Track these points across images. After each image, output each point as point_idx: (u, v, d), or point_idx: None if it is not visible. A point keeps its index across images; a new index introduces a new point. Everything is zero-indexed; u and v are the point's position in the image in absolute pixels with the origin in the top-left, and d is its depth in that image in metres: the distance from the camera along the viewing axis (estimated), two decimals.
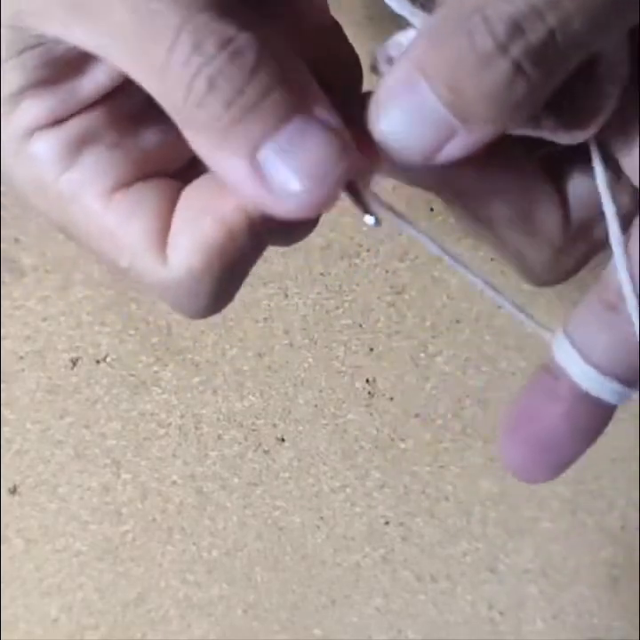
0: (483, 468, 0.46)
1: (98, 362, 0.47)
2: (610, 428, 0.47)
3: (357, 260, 0.47)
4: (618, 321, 0.24)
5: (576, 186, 0.25)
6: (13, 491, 0.47)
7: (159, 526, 0.47)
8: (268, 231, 0.22)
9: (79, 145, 0.22)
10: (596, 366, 0.24)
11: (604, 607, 0.46)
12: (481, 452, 0.46)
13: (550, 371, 0.25)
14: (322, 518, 0.46)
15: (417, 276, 0.47)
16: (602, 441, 0.47)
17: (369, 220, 0.22)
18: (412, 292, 0.47)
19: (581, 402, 0.25)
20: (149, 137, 0.24)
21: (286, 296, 0.47)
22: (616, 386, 0.24)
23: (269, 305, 0.47)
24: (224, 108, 0.19)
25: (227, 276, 0.23)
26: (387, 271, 0.47)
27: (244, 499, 0.47)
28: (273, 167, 0.20)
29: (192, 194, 0.23)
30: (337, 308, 0.47)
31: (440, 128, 0.20)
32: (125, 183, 0.23)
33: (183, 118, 0.20)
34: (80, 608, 0.47)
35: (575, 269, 0.25)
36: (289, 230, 0.24)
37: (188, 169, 0.24)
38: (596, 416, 0.25)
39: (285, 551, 0.46)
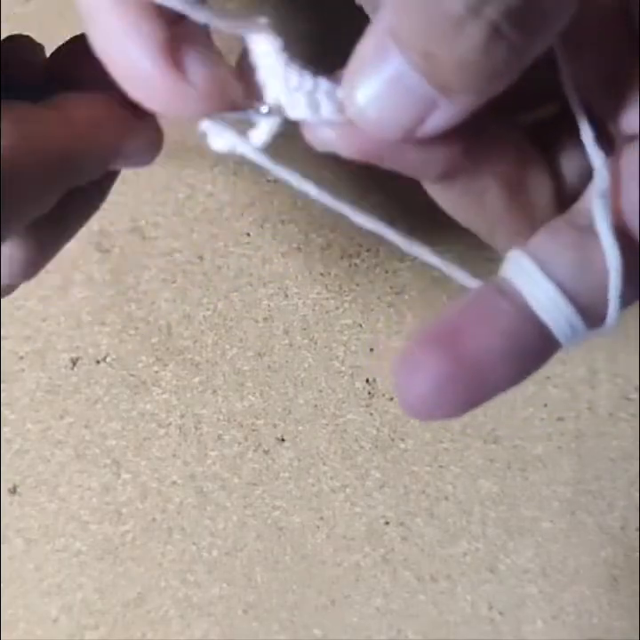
0: (483, 468, 0.46)
1: (98, 362, 0.47)
2: (610, 428, 0.47)
3: (357, 260, 0.47)
4: (588, 243, 0.21)
5: (568, 157, 0.23)
6: (13, 491, 0.47)
7: (159, 526, 0.47)
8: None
9: None
10: (556, 283, 0.20)
11: (604, 607, 0.46)
12: (481, 452, 0.46)
13: (494, 287, 0.22)
14: (322, 518, 0.46)
15: (417, 275, 0.47)
16: (602, 441, 0.47)
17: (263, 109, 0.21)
18: (411, 292, 0.47)
19: (525, 326, 0.21)
20: None
21: (286, 296, 0.47)
22: (571, 312, 0.21)
23: (269, 305, 0.47)
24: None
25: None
26: (387, 271, 0.47)
27: (244, 499, 0.47)
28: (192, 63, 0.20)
29: None
30: (337, 308, 0.47)
31: (419, 100, 0.19)
32: None
33: None
34: (80, 608, 0.47)
35: None
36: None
37: None
38: (537, 350, 0.21)
39: (285, 551, 0.46)
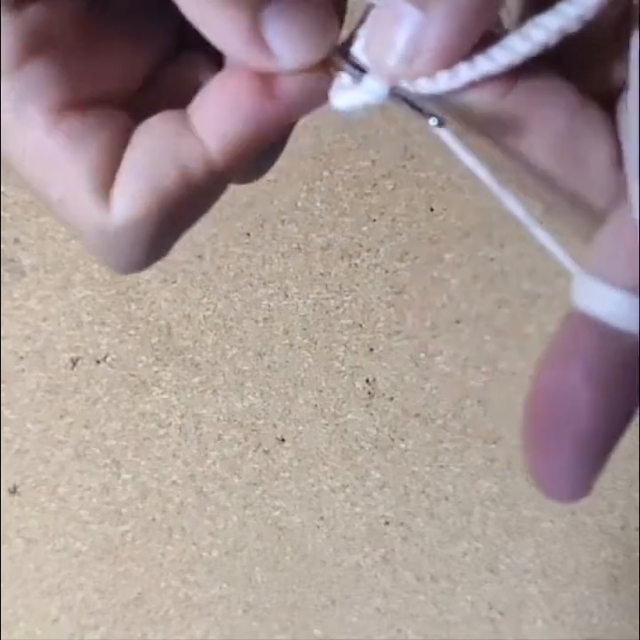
0: (483, 468, 0.46)
1: (98, 362, 0.47)
2: None
3: (357, 260, 0.47)
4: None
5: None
6: (13, 491, 0.47)
7: (159, 526, 0.47)
8: (230, 172, 0.21)
9: (34, 43, 0.19)
10: (622, 286, 0.19)
11: (604, 607, 0.46)
12: (481, 452, 0.46)
13: (568, 328, 0.20)
14: (322, 518, 0.46)
15: (417, 276, 0.47)
16: None
17: (433, 121, 0.21)
18: (411, 292, 0.47)
19: (606, 344, 0.19)
20: (107, 48, 0.21)
21: (286, 296, 0.47)
22: None
23: (269, 305, 0.47)
24: None
25: (176, 223, 0.21)
26: (387, 271, 0.47)
27: (244, 499, 0.47)
28: (273, 29, 0.20)
29: (147, 133, 0.21)
30: (337, 308, 0.47)
31: (402, 16, 0.19)
32: (78, 104, 0.20)
33: None
34: (80, 608, 0.47)
35: None
36: (250, 166, 0.22)
37: (137, 99, 0.22)
38: (625, 361, 0.19)
39: (285, 551, 0.46)
